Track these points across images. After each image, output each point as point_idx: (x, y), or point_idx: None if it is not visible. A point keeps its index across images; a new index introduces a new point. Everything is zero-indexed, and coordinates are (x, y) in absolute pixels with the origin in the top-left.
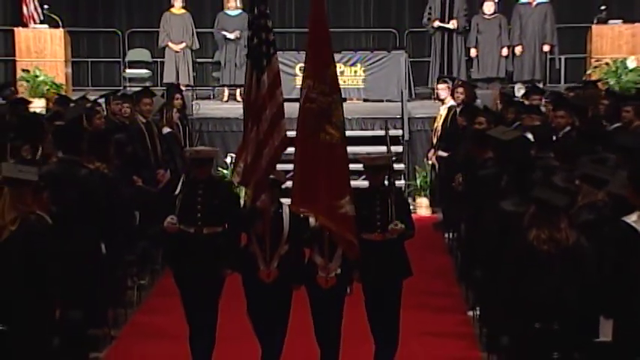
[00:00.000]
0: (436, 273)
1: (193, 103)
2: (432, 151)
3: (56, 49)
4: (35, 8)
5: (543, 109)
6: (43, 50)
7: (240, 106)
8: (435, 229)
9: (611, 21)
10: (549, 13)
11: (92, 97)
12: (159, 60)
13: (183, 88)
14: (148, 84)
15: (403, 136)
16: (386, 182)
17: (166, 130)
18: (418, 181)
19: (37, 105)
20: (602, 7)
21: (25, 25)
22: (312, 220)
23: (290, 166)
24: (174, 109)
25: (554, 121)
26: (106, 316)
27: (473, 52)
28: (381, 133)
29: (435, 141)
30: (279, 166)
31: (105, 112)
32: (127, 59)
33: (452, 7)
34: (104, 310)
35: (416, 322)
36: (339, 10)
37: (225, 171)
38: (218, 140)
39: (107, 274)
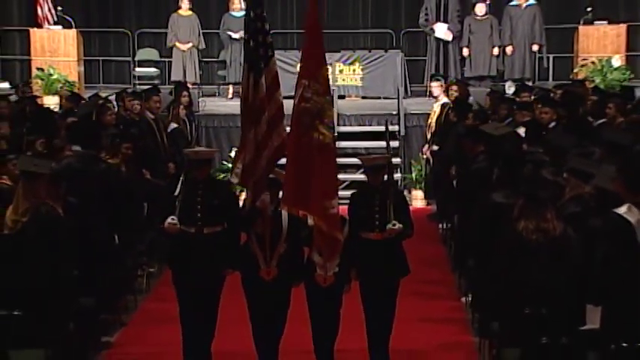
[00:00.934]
0: (431, 262)
1: (200, 100)
2: (427, 146)
3: (69, 49)
4: (49, 10)
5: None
6: (57, 50)
7: None
8: (429, 220)
9: (596, 22)
10: (538, 14)
11: (104, 95)
12: (167, 59)
13: (190, 86)
14: (156, 82)
15: (399, 131)
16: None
17: (173, 125)
18: (413, 175)
19: (51, 102)
20: (589, 9)
21: (40, 26)
22: (310, 219)
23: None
24: (182, 106)
25: (539, 117)
26: (117, 303)
27: (465, 52)
28: (378, 128)
29: (429, 136)
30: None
31: (116, 109)
32: (136, 58)
33: (446, 8)
34: (115, 297)
35: (411, 308)
36: (339, 11)
37: (229, 164)
38: (223, 135)
39: (119, 263)
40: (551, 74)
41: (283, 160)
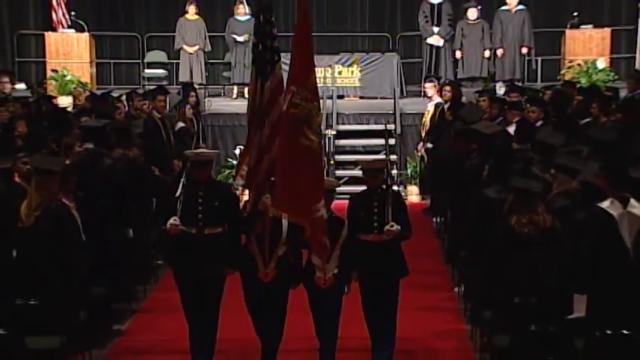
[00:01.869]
0: (425, 253)
1: (206, 100)
2: (421, 143)
3: (82, 52)
4: (63, 14)
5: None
6: (70, 52)
7: None
8: (424, 214)
9: (582, 26)
10: (527, 18)
11: (115, 95)
12: (174, 61)
13: (196, 87)
14: (164, 83)
15: (395, 130)
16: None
17: (180, 124)
18: (409, 171)
19: (65, 102)
20: (575, 14)
21: (54, 30)
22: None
23: None
24: (188, 106)
25: (527, 116)
26: (127, 292)
27: (458, 54)
28: (376, 127)
29: (423, 134)
30: None
31: (126, 109)
32: (145, 60)
33: (439, 12)
34: (126, 287)
35: (406, 298)
36: (339, 15)
37: (234, 162)
38: (228, 133)
39: (130, 256)
40: (539, 75)
41: None
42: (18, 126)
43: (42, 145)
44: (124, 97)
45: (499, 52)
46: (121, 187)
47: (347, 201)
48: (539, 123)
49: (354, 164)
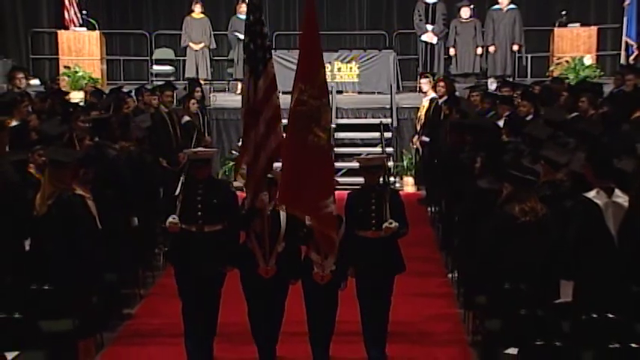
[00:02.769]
0: (420, 242)
1: (211, 95)
2: (416, 136)
3: (93, 49)
4: (75, 14)
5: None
6: (82, 49)
7: None
8: (419, 204)
9: (570, 24)
10: (518, 17)
11: (125, 90)
12: (181, 58)
13: (202, 82)
14: (171, 79)
15: (392, 123)
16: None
17: (186, 118)
18: (405, 163)
19: (77, 97)
20: (563, 13)
21: (67, 28)
22: (307, 218)
23: None
24: (193, 100)
25: (518, 110)
26: (136, 279)
27: (452, 51)
28: (373, 121)
29: (418, 128)
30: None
31: (135, 103)
32: (153, 57)
33: (434, 12)
34: (135, 273)
35: (403, 285)
36: (337, 14)
37: (238, 153)
38: (232, 127)
39: (138, 244)
40: (529, 72)
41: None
42: (30, 120)
43: (54, 138)
44: (133, 93)
45: (491, 49)
46: (125, 178)
47: (346, 191)
48: (529, 117)
49: (352, 156)
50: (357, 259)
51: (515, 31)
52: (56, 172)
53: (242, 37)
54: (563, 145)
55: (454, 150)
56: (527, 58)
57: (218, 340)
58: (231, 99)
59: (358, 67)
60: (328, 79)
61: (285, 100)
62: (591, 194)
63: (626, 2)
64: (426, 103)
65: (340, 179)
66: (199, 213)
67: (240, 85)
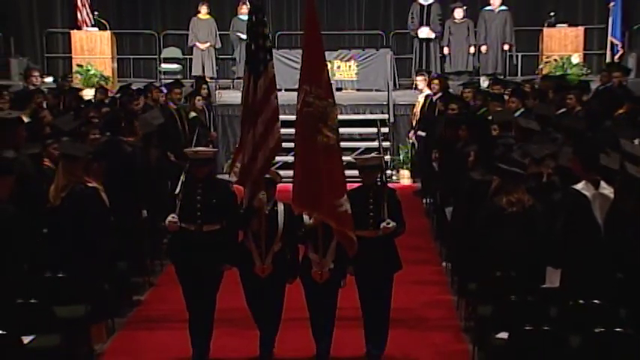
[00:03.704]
0: (416, 232)
1: (216, 92)
2: (412, 131)
3: (104, 48)
4: (87, 14)
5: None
6: (94, 49)
7: None
8: (414, 196)
9: (558, 25)
10: (509, 18)
11: (134, 87)
12: (188, 57)
13: (208, 80)
14: (179, 76)
15: (389, 119)
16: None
17: (192, 114)
18: (401, 156)
19: (89, 94)
20: (552, 14)
21: (80, 29)
22: (306, 217)
23: (285, 172)
24: (198, 97)
25: (508, 106)
26: (146, 267)
27: (446, 50)
28: (371, 116)
29: (414, 123)
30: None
31: (144, 100)
32: (162, 56)
33: (429, 13)
34: (144, 262)
35: (399, 273)
36: (337, 15)
37: None
38: (236, 122)
39: (148, 234)
40: (519, 70)
41: (279, 159)
42: (45, 115)
43: (67, 133)
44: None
45: (483, 48)
46: (138, 172)
47: (349, 184)
48: (518, 113)
49: (351, 150)
50: (356, 258)
51: (506, 31)
52: (69, 166)
53: (243, 37)
54: (553, 140)
55: (449, 144)
56: (517, 56)
57: (219, 327)
58: (235, 96)
59: (357, 66)
60: None
61: (287, 97)
62: (579, 186)
63: (611, 4)
64: (421, 99)
65: None
66: (198, 213)
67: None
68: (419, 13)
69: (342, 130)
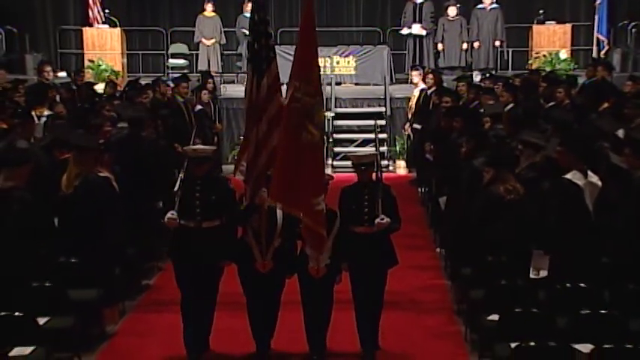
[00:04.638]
0: (411, 219)
1: (221, 86)
2: (408, 124)
3: (115, 44)
4: (98, 12)
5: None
6: (105, 45)
7: None
8: (410, 185)
9: (547, 22)
10: (500, 15)
11: (143, 82)
12: (194, 52)
13: (213, 74)
14: (186, 71)
15: (386, 112)
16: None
17: (198, 107)
18: (397, 148)
19: (100, 88)
20: (541, 11)
21: (91, 26)
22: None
23: None
24: (204, 90)
25: (499, 100)
26: (154, 252)
27: (440, 47)
28: (368, 109)
29: (409, 116)
30: None
31: (152, 94)
32: (169, 51)
33: (421, 11)
34: (153, 248)
35: None
36: (336, 13)
37: None
38: (241, 115)
39: (157, 222)
40: (510, 65)
41: None
42: (59, 109)
43: (81, 125)
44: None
45: (475, 44)
46: (152, 163)
47: (345, 174)
48: (509, 106)
49: (349, 142)
50: (351, 254)
51: (498, 28)
52: (80, 156)
53: (248, 33)
54: (542, 132)
55: (444, 135)
56: (508, 52)
57: (216, 322)
58: (240, 90)
59: (355, 61)
60: (328, 72)
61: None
62: (569, 176)
63: (598, 2)
64: (416, 93)
65: (338, 163)
66: (197, 210)
67: None
68: (412, 11)
69: (341, 122)
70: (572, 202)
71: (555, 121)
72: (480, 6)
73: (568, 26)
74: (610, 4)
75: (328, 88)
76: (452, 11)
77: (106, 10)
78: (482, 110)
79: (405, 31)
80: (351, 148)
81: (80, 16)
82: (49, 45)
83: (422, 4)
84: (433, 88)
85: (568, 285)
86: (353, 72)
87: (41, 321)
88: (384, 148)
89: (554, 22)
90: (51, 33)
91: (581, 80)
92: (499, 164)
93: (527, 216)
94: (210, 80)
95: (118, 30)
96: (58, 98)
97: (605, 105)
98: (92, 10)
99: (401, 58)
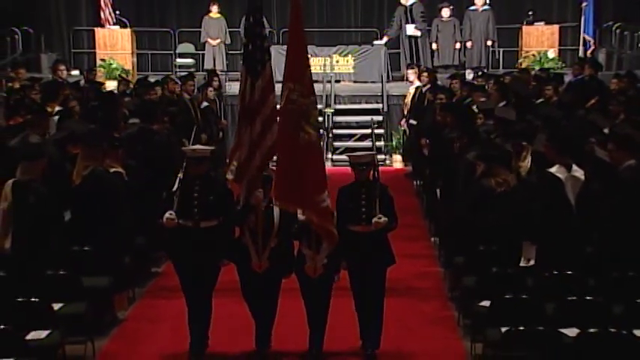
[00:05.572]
0: (407, 210)
1: (226, 84)
2: (404, 120)
3: (125, 44)
4: (110, 13)
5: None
6: (116, 45)
7: None
8: (406, 178)
9: (536, 23)
10: (491, 16)
11: (152, 80)
12: (201, 52)
13: (219, 73)
14: (192, 70)
15: (383, 108)
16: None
17: (205, 104)
18: (394, 142)
19: (111, 86)
20: (530, 12)
21: (103, 26)
22: (300, 214)
23: None
24: (210, 88)
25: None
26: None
27: (434, 46)
28: (366, 106)
29: (405, 112)
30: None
31: (160, 91)
32: (177, 51)
33: (411, 13)
34: (162, 237)
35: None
36: (335, 14)
37: None
38: None
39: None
40: (501, 63)
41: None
42: (73, 105)
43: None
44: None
45: (468, 44)
46: (162, 155)
47: (345, 168)
48: (502, 104)
49: (348, 137)
50: (349, 253)
51: (489, 29)
52: (88, 151)
53: None
54: (531, 127)
55: (438, 130)
56: (499, 51)
57: (216, 321)
58: None
59: (354, 60)
60: (328, 70)
61: None
62: (553, 169)
63: (584, 4)
64: (412, 90)
65: (338, 157)
66: (195, 209)
67: None
68: (403, 14)
69: (340, 118)
70: (552, 194)
71: (543, 117)
72: (472, 7)
73: (556, 27)
74: (596, 6)
75: (328, 85)
76: (445, 12)
77: (117, 12)
78: (475, 107)
79: (381, 41)
80: (350, 143)
81: (92, 17)
82: (63, 45)
83: (411, 5)
84: (428, 86)
85: (555, 273)
86: (351, 70)
87: (56, 307)
88: (381, 143)
89: (542, 23)
90: (65, 34)
91: (567, 78)
92: (489, 160)
93: (516, 207)
94: (215, 78)
95: (128, 31)
96: (71, 96)
97: (592, 102)
98: (104, 12)
99: (397, 57)
